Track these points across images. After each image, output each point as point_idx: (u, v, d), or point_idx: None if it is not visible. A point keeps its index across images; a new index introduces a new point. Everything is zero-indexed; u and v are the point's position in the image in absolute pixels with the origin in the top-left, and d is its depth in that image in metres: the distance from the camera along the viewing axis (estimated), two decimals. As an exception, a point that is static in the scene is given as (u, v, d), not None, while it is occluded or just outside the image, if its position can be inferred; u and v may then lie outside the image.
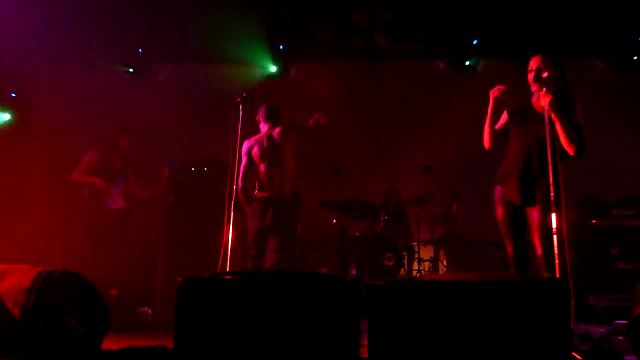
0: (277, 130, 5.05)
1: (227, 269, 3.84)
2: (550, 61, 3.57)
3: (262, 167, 4.97)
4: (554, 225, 3.07)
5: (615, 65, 8.11)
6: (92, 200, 5.90)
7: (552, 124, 3.31)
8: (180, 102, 7.98)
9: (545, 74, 3.43)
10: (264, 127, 5.14)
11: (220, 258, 3.85)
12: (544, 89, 3.39)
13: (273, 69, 8.40)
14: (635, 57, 7.92)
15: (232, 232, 4.01)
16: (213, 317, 2.37)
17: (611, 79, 8.07)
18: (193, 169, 6.50)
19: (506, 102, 3.70)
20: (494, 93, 3.64)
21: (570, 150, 3.40)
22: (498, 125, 3.81)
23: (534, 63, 3.63)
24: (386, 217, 7.03)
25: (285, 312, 2.37)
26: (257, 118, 5.16)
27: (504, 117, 3.79)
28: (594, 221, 5.97)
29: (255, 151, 4.98)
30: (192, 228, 6.17)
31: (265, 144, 5.00)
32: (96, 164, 5.95)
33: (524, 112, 3.67)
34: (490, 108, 3.70)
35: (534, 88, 3.64)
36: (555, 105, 3.34)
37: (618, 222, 6.25)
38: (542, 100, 3.37)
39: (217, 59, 8.05)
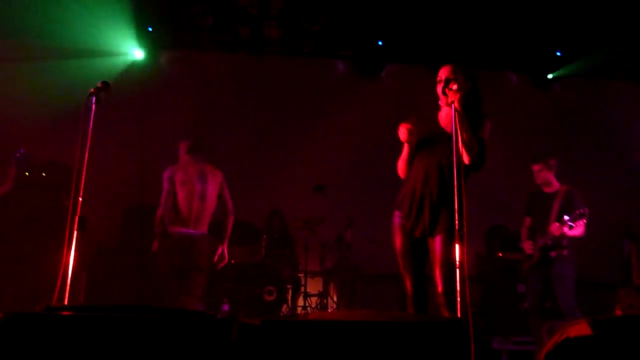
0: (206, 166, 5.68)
1: (66, 302, 3.66)
2: (461, 72, 3.80)
3: (181, 196, 5.48)
4: (457, 257, 3.23)
5: (530, 83, 8.80)
6: None
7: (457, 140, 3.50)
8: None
9: (455, 86, 3.62)
10: (186, 158, 5.71)
11: (57, 288, 3.65)
12: (454, 88, 3.57)
13: (139, 55, 8.21)
14: (551, 76, 8.66)
15: (75, 255, 3.83)
16: (43, 363, 2.26)
17: (526, 98, 8.75)
18: (27, 173, 6.15)
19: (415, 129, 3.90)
20: (402, 135, 3.77)
21: (466, 158, 3.62)
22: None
23: (443, 73, 3.84)
24: (268, 243, 7.07)
25: (138, 356, 2.31)
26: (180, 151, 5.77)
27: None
28: (500, 255, 6.37)
29: (180, 179, 5.52)
30: (21, 249, 5.82)
31: (191, 174, 5.55)
32: None
33: (430, 134, 3.86)
34: (405, 149, 3.85)
35: (442, 101, 3.84)
36: (462, 104, 3.54)
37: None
38: (451, 96, 3.55)
39: (64, 39, 7.73)
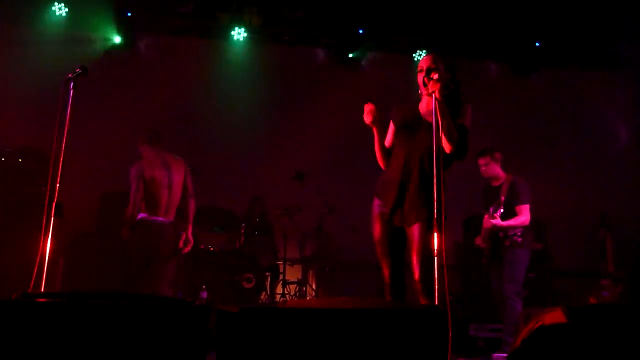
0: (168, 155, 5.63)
1: (43, 289, 3.63)
2: (442, 61, 3.80)
3: (151, 190, 5.47)
4: (435, 246, 3.25)
5: (510, 71, 8.85)
6: None
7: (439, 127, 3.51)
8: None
9: (436, 76, 3.61)
10: (150, 152, 5.60)
11: (34, 274, 3.62)
12: (435, 77, 3.57)
13: (117, 40, 8.12)
14: (529, 64, 8.73)
15: (52, 242, 3.80)
16: (20, 352, 2.24)
17: (506, 86, 8.80)
18: (3, 158, 6.08)
19: (392, 114, 3.93)
20: (366, 117, 3.81)
21: (447, 147, 3.65)
22: (388, 142, 3.98)
23: (424, 62, 3.83)
24: (247, 230, 7.05)
25: (116, 343, 2.30)
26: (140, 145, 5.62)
27: (392, 128, 3.97)
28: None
29: (149, 173, 5.48)
30: (-3, 235, 5.76)
31: (156, 167, 5.52)
32: None
33: (411, 122, 3.86)
34: (375, 135, 3.89)
35: (422, 90, 3.83)
36: (442, 94, 3.54)
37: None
38: (431, 86, 3.55)
39: (40, 23, 7.62)
